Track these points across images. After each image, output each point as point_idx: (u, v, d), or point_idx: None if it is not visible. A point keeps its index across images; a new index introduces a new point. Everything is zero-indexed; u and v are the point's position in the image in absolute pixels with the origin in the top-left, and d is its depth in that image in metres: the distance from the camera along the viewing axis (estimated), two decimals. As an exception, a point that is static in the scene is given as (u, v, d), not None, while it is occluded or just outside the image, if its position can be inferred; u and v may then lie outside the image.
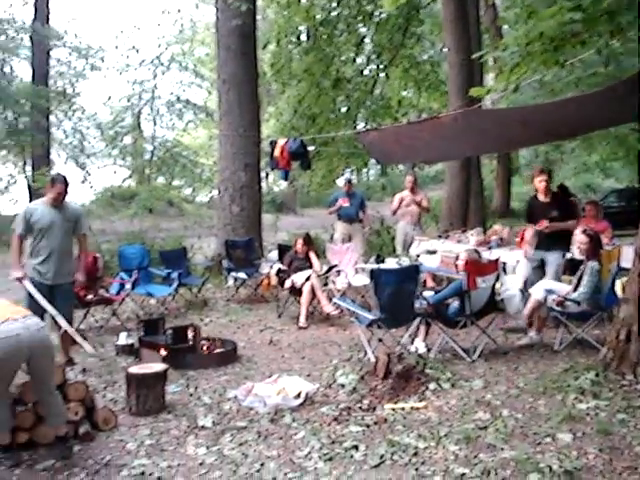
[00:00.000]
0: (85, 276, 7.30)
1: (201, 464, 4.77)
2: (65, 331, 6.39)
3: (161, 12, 27.22)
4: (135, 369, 5.97)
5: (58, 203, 6.86)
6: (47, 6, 27.16)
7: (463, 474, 4.36)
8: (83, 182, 25.24)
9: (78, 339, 6.28)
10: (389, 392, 5.89)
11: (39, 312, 5.87)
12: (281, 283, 9.59)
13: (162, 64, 25.63)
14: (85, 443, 5.14)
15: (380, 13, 17.82)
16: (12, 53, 28.05)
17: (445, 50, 16.15)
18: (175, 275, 9.74)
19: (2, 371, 4.67)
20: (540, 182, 8.30)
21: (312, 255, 9.71)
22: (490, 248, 9.85)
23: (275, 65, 17.30)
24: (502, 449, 4.70)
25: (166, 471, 4.66)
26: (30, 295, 6.53)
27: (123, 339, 7.71)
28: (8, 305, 4.95)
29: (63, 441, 4.93)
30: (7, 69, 28.51)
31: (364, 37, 18.83)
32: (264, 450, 4.95)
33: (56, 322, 6.39)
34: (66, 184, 6.89)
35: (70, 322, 6.69)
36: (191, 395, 6.24)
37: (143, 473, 4.64)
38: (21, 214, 6.85)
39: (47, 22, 26.83)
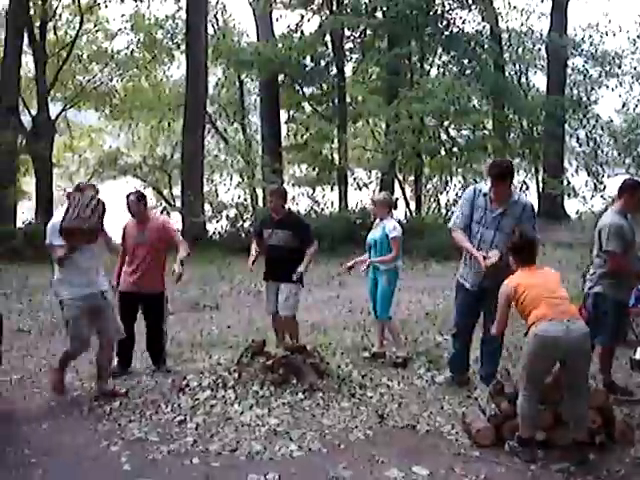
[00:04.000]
0: None
1: None
2: None
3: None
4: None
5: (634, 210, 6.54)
6: (565, 16, 27.44)
7: None
8: (595, 191, 24.93)
9: None
10: None
11: None
12: None
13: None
14: (600, 453, 5.07)
15: None
16: (529, 64, 29.05)
17: None
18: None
19: (534, 366, 4.90)
20: None
21: None
22: None
23: None
24: None
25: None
26: None
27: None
28: (558, 301, 5.01)
29: (579, 446, 4.94)
30: (523, 80, 29.62)
31: None
32: None
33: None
34: None
35: None
36: None
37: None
38: (616, 231, 6.30)
39: (565, 32, 27.11)
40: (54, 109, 26.48)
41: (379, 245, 7.49)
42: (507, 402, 5.24)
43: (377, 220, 7.76)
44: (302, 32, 25.08)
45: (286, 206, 7.83)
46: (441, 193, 24.16)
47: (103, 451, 5.18)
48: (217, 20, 28.99)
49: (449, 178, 23.69)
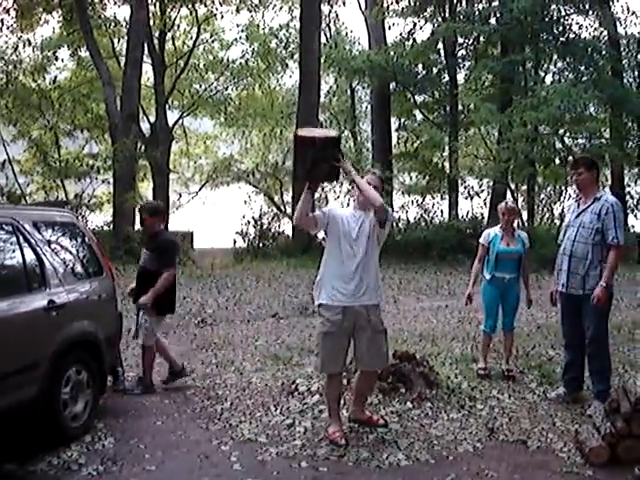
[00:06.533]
0: None
1: None
2: None
3: None
4: None
5: None
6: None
7: None
8: None
9: None
10: None
11: None
12: None
13: None
14: None
15: None
16: (649, 71, 27.87)
17: None
18: None
19: None
20: None
21: None
22: None
23: None
24: None
25: None
26: None
27: None
28: None
29: None
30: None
31: None
32: None
33: None
34: None
35: None
36: None
37: None
38: None
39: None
40: (171, 117, 27.47)
41: (521, 258, 7.29)
42: (623, 421, 5.05)
43: (500, 230, 7.31)
44: (414, 40, 25.14)
45: (160, 225, 7.17)
46: (555, 203, 23.59)
47: (214, 450, 5.31)
48: (329, 29, 29.34)
49: (563, 188, 23.10)
